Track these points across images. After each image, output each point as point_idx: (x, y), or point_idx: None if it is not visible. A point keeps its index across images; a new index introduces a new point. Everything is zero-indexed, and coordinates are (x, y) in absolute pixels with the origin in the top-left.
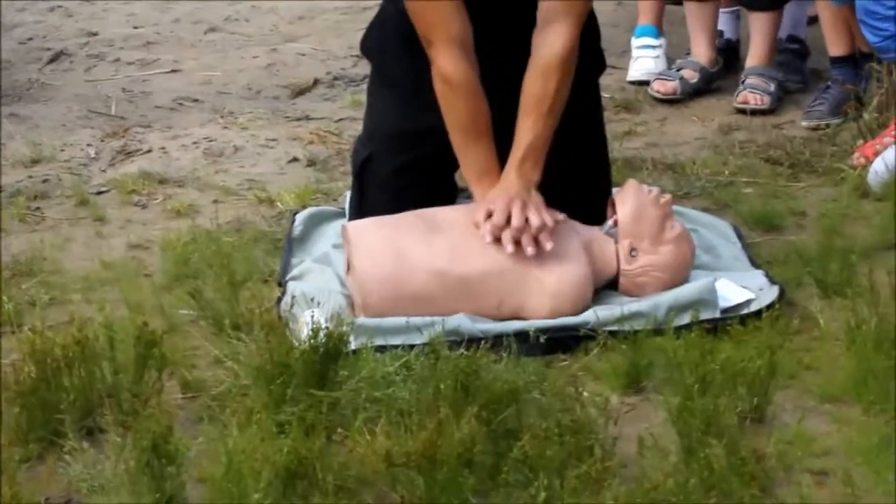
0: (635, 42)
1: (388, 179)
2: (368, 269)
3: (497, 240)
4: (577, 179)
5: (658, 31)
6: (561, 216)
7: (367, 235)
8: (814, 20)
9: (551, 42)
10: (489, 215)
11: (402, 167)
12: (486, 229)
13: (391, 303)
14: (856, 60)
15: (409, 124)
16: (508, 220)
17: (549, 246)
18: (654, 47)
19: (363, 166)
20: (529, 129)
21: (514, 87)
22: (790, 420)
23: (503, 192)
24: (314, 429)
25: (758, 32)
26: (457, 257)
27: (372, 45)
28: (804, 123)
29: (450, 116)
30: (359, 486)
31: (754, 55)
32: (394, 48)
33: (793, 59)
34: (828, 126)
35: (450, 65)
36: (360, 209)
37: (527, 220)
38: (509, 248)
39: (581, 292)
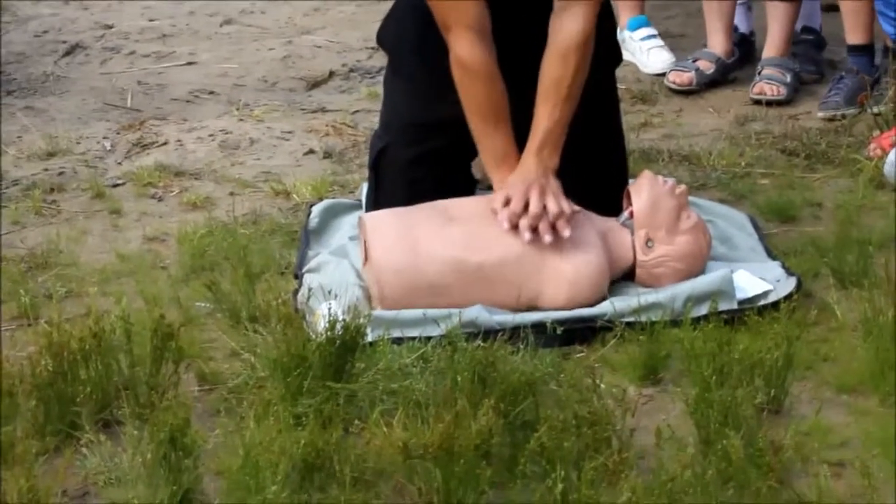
0: (635, 35)
1: (404, 170)
2: (385, 261)
3: (514, 227)
4: (594, 171)
5: (647, 20)
6: (577, 208)
7: (383, 227)
8: (829, 9)
9: (568, 26)
10: (507, 202)
11: (418, 158)
12: (504, 216)
13: (408, 293)
14: (873, 50)
15: (425, 115)
16: (527, 207)
17: (566, 233)
18: (655, 36)
19: (379, 157)
20: (547, 114)
21: (532, 73)
22: (807, 411)
23: (521, 179)
24: (331, 421)
25: (775, 23)
26: (473, 246)
27: (388, 36)
28: (820, 114)
29: (468, 102)
30: (376, 478)
31: (771, 46)
32: (410, 40)
33: (808, 49)
34: (843, 116)
35: (467, 50)
36: (376, 200)
37: (544, 207)
38: (526, 235)
39: (598, 281)
